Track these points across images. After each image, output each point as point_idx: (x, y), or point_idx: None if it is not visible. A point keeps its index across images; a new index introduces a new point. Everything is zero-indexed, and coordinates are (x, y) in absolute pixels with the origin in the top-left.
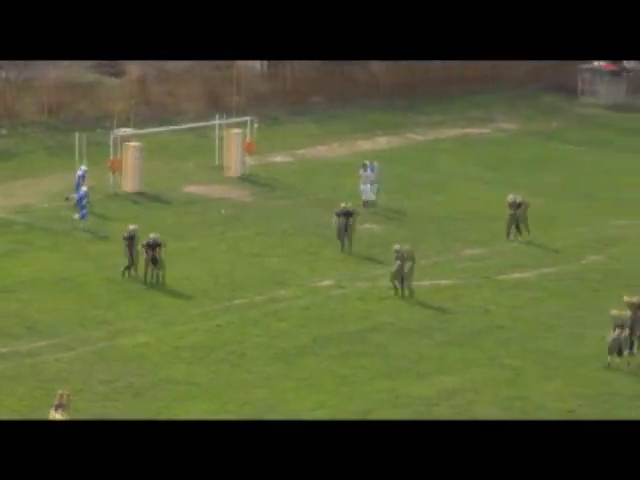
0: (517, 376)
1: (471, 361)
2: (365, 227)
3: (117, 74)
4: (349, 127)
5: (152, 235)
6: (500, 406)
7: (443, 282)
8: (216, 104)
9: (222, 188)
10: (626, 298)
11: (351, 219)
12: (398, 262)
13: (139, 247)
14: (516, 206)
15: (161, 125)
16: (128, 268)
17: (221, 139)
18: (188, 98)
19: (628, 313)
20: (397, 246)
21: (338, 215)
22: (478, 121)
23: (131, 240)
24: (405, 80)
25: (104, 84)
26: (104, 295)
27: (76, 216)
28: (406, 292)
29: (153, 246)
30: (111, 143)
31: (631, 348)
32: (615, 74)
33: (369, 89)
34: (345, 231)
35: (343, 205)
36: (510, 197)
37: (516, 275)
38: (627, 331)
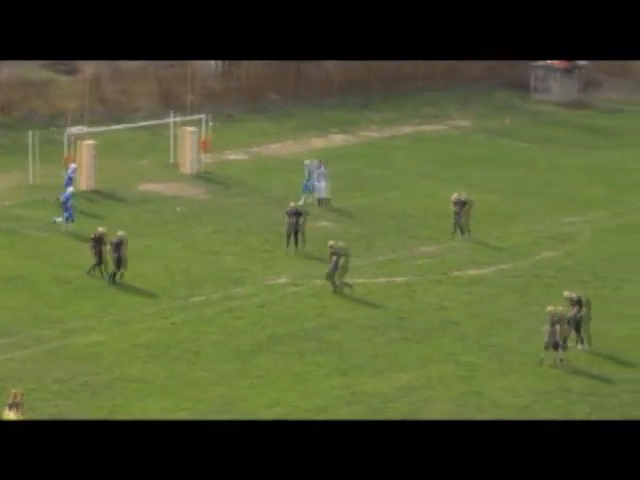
0: (472, 372)
1: (427, 357)
2: (320, 225)
3: (70, 72)
4: (303, 125)
5: (120, 233)
6: (455, 402)
7: (399, 279)
8: (171, 102)
9: (177, 186)
10: (566, 293)
11: (301, 218)
12: (334, 258)
13: (107, 247)
14: (461, 204)
15: (115, 123)
16: (97, 266)
17: (176, 137)
18: (142, 96)
19: (561, 309)
20: (332, 242)
21: (288, 215)
22: (432, 118)
23: (98, 242)
24: (359, 78)
25: (57, 82)
26: (57, 294)
27: (59, 219)
28: (342, 288)
29: (119, 244)
30: (65, 141)
31: (564, 343)
32: (567, 71)
33: (323, 87)
34: (295, 231)
35: (292, 204)
36: (455, 195)
37: (471, 272)
38: (563, 327)
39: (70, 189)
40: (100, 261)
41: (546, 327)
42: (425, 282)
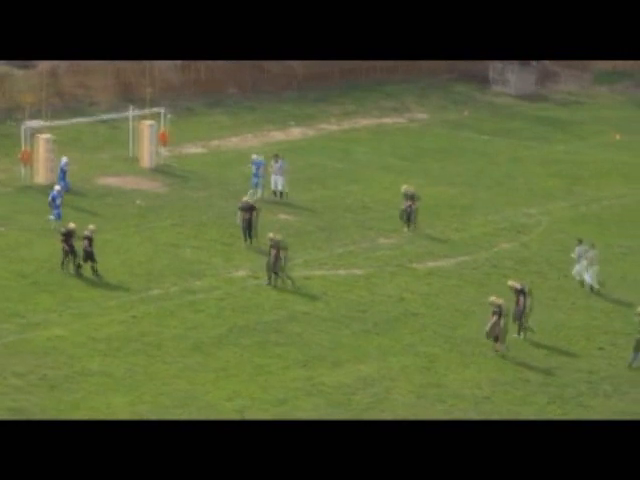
0: (433, 363)
1: (387, 349)
2: (280, 218)
3: (27, 66)
4: (263, 118)
5: (91, 226)
6: (416, 393)
7: (358, 271)
8: (129, 95)
9: (136, 179)
10: (510, 283)
11: (254, 213)
12: (273, 251)
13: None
14: (409, 197)
15: (73, 117)
16: (68, 259)
17: (135, 131)
18: (101, 89)
19: (501, 301)
20: (271, 234)
21: (241, 209)
22: (392, 111)
23: (68, 236)
24: (319, 71)
25: (14, 76)
26: (15, 288)
27: (51, 217)
28: (280, 282)
29: (90, 238)
30: (22, 135)
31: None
32: (525, 64)
33: (283, 80)
34: (248, 225)
35: (245, 199)
36: (404, 188)
37: (431, 263)
38: (503, 318)
39: (57, 187)
40: (71, 254)
41: (491, 317)
42: (384, 274)
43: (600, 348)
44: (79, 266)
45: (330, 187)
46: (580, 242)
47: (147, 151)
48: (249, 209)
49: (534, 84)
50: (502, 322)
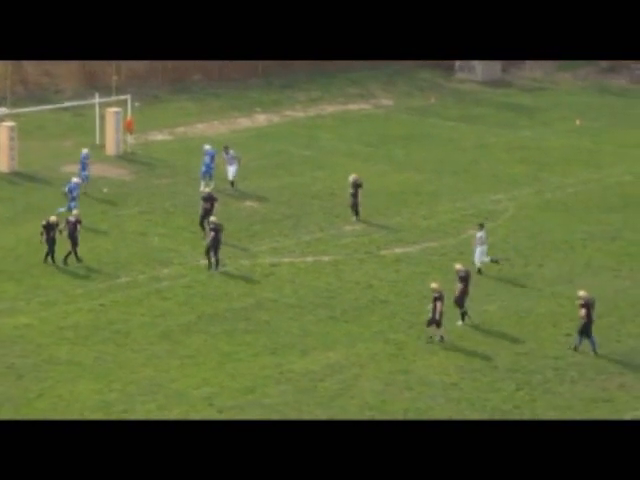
0: (401, 350)
1: (355, 336)
2: (246, 205)
3: None
4: (228, 105)
5: (75, 212)
6: (384, 380)
7: (326, 258)
8: (95, 83)
9: (102, 167)
10: (457, 266)
11: (216, 204)
12: (212, 234)
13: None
14: (356, 186)
15: (38, 105)
16: (50, 253)
17: (101, 118)
18: (66, 77)
19: (436, 285)
20: (213, 218)
21: (202, 200)
22: (357, 97)
23: (49, 228)
24: None
25: None
26: None
27: (61, 209)
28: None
29: (75, 223)
30: None
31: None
32: None
33: (248, 67)
34: (206, 215)
35: (207, 190)
36: (352, 177)
37: (398, 250)
38: (443, 303)
39: (75, 179)
40: (52, 248)
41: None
42: (352, 261)
43: (567, 335)
44: (69, 254)
45: (296, 174)
46: (482, 227)
47: (113, 139)
48: (209, 199)
49: (499, 70)
50: (440, 307)
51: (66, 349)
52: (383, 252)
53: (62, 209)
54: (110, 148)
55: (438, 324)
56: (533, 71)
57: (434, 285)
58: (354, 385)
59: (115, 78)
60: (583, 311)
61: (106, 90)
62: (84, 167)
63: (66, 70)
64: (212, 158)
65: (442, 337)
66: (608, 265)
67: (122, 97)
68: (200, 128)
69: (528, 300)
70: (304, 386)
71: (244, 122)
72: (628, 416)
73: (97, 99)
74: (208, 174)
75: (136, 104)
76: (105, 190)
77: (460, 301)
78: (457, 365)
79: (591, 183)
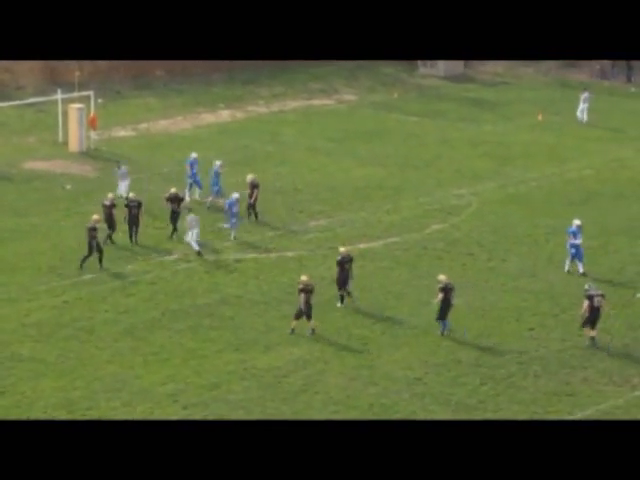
0: (365, 345)
1: (319, 332)
2: (210, 201)
3: None
4: (192, 100)
5: (110, 195)
6: (349, 375)
7: (289, 254)
8: (57, 79)
9: (65, 163)
10: (341, 249)
11: (182, 203)
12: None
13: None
14: (253, 187)
15: (0, 101)
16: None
17: (64, 114)
18: (27, 73)
19: (308, 278)
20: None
21: (167, 200)
22: (320, 93)
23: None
24: None
25: None
26: None
27: (226, 225)
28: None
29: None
30: None
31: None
32: None
33: (210, 63)
34: (174, 215)
35: (173, 190)
36: (249, 177)
37: (362, 245)
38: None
39: (236, 195)
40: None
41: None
42: (316, 256)
43: (530, 329)
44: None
45: (259, 170)
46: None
47: (76, 135)
48: (174, 199)
49: (462, 65)
50: (311, 299)
51: (29, 346)
52: (347, 247)
53: (226, 225)
54: (73, 144)
55: (306, 316)
56: (495, 66)
57: (303, 278)
58: (319, 380)
59: (77, 74)
60: (440, 295)
61: (68, 86)
62: (217, 179)
63: (27, 66)
64: (192, 166)
65: (313, 330)
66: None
67: (85, 93)
68: (163, 124)
69: (491, 294)
70: (268, 382)
71: (207, 118)
72: (590, 410)
73: (59, 95)
74: (197, 182)
75: (99, 100)
76: (68, 187)
77: (341, 283)
78: (421, 360)
79: (553, 177)
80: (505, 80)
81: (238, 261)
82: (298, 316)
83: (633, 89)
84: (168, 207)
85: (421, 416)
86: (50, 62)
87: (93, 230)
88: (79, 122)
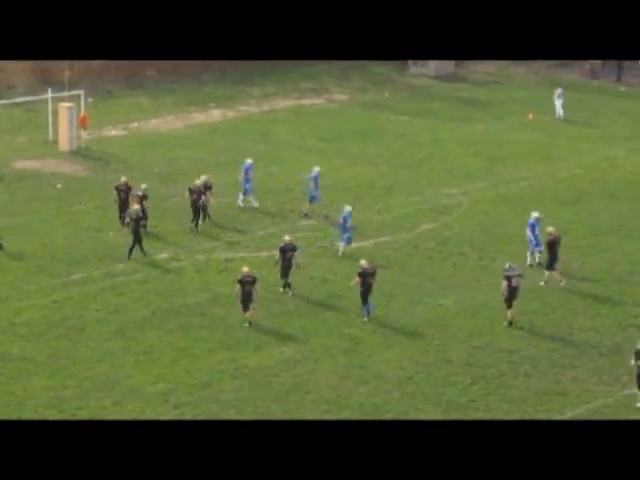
0: (356, 345)
1: (310, 331)
2: (201, 200)
3: None
4: (183, 100)
5: (143, 186)
6: (340, 375)
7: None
8: (48, 78)
9: (55, 163)
10: (286, 237)
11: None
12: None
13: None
14: (206, 188)
15: None
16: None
17: (54, 113)
18: (18, 73)
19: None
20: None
21: (191, 191)
22: (311, 92)
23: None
24: None
25: None
26: None
27: (341, 244)
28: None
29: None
30: None
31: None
32: None
33: (202, 62)
34: (198, 208)
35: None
36: (202, 178)
37: (353, 245)
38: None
39: (348, 208)
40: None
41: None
42: (307, 256)
43: (520, 328)
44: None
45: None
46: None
47: (66, 134)
48: (197, 192)
49: (453, 65)
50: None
51: (19, 345)
52: (338, 247)
53: (342, 243)
54: (63, 144)
55: (247, 307)
56: (486, 66)
57: (244, 269)
58: (309, 380)
59: (68, 73)
60: (357, 279)
61: (59, 86)
62: (316, 186)
63: (18, 66)
64: (247, 171)
65: (250, 322)
66: (560, 258)
67: (75, 92)
68: (154, 123)
69: (482, 294)
70: (259, 381)
71: (199, 117)
72: (581, 409)
73: (50, 94)
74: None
75: (89, 99)
76: (59, 186)
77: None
78: (412, 359)
79: (544, 177)
80: (496, 80)
81: (229, 260)
82: (244, 309)
83: (623, 88)
84: (188, 199)
85: (412, 415)
86: (41, 61)
87: (139, 220)
88: (69, 121)
